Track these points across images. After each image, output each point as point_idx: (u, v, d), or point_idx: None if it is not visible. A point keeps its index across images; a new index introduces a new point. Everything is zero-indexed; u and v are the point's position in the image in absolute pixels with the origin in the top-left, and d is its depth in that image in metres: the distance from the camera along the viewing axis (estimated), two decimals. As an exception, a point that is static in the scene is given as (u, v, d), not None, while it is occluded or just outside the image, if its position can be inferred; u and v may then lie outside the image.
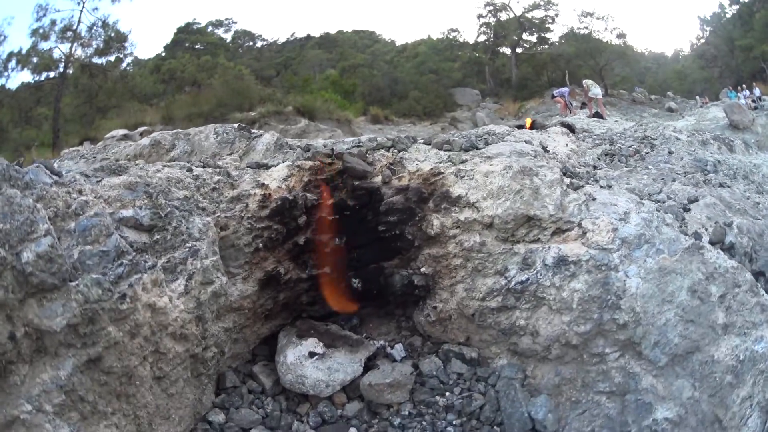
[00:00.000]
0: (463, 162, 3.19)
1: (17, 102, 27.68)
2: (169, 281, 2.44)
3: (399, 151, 3.30)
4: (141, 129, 11.30)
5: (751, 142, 15.08)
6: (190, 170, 2.93)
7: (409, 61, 45.46)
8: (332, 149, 3.45)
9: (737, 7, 49.06)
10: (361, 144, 3.53)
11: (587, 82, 18.24)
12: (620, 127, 14.42)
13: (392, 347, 3.27)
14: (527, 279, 2.84)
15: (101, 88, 26.43)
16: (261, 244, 2.96)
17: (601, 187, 3.21)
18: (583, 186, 3.16)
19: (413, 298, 3.26)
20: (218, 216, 2.81)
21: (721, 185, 3.43)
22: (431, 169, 3.12)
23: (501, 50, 43.81)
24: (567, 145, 4.24)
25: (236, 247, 2.88)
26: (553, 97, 21.53)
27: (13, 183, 1.98)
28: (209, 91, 14.92)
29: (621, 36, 39.03)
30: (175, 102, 16.30)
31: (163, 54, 43.42)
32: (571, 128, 13.21)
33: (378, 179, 3.21)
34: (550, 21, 41.35)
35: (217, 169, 3.02)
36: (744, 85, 24.10)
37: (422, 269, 3.14)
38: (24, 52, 25.52)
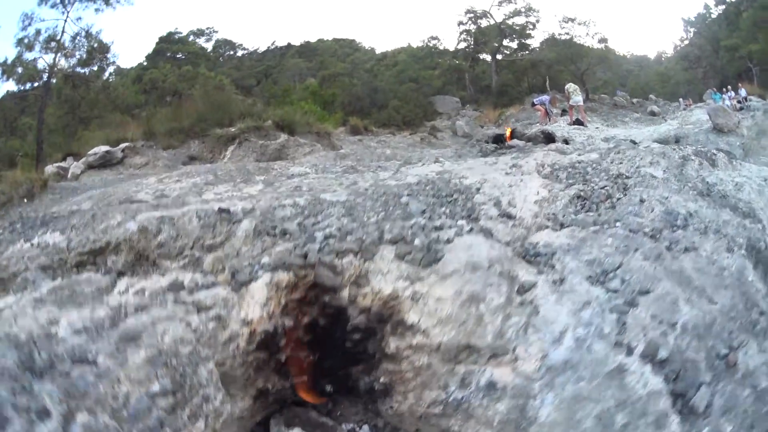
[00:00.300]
0: (420, 280, 3.55)
1: (2, 112, 27.53)
2: (191, 424, 2.98)
3: (365, 261, 3.69)
4: (123, 145, 11.35)
5: (736, 145, 15.04)
6: (188, 324, 3.31)
7: (389, 69, 45.67)
8: (305, 254, 3.73)
9: (723, 7, 49.99)
10: (331, 237, 3.89)
11: (570, 87, 18.08)
12: (600, 142, 14.51)
13: (360, 428, 3.70)
14: (462, 397, 3.24)
15: (84, 99, 26.40)
16: (252, 371, 3.51)
17: (554, 282, 3.39)
18: (534, 284, 3.38)
19: (376, 395, 3.84)
20: (216, 358, 3.31)
21: (686, 249, 3.52)
22: (390, 293, 3.53)
23: (481, 57, 44.09)
24: (538, 192, 4.25)
25: (233, 376, 3.42)
26: (533, 105, 21.57)
27: None
28: (190, 104, 14.75)
29: (602, 41, 39.43)
30: (156, 115, 16.13)
31: (145, 63, 43.22)
32: (550, 138, 12.80)
33: (345, 293, 3.60)
34: (531, 27, 41.62)
35: (209, 312, 3.43)
36: (729, 87, 23.89)
37: (381, 379, 3.66)
38: (9, 62, 25.49)
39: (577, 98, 17.77)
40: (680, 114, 22.76)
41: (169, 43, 46.54)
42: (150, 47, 53.67)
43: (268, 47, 54.31)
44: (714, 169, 5.04)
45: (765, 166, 10.13)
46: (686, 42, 55.65)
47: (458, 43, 43.89)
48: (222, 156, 11.04)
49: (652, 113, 23.59)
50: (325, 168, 6.63)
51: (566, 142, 12.06)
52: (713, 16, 51.71)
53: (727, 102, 21.39)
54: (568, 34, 38.95)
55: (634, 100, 29.87)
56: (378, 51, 56.64)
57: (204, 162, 10.56)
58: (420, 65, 44.18)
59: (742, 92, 22.69)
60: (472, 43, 43.02)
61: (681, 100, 27.89)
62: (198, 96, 16.63)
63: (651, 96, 32.40)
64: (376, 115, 27.95)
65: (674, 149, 5.37)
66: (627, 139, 16.19)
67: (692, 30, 53.30)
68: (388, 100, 31.16)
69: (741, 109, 20.24)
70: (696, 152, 5.25)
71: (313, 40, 55.20)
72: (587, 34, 38.82)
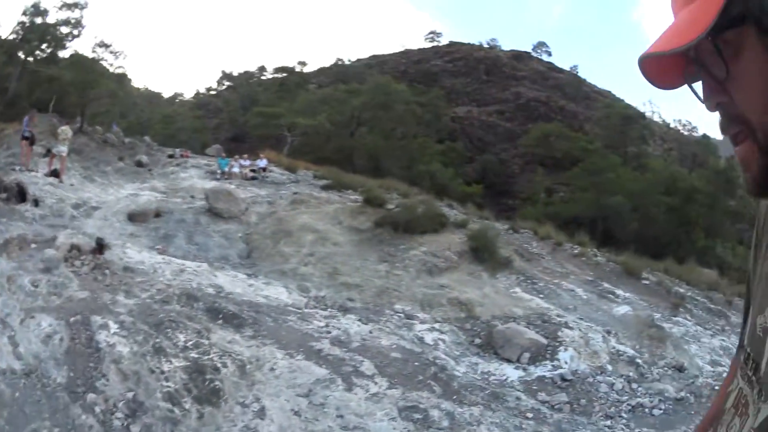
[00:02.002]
0: None
1: None
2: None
3: None
4: None
5: (236, 236, 12.97)
6: None
7: None
8: None
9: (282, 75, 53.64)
10: None
11: (62, 131, 13.86)
12: (71, 209, 10.35)
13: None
14: None
15: None
16: None
17: None
18: None
19: None
20: None
21: None
22: None
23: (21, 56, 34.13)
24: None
25: None
26: (23, 137, 15.38)
27: None
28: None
29: (122, 75, 35.48)
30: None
31: None
32: (23, 194, 10.71)
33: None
34: (70, 39, 34.41)
35: None
36: (246, 156, 21.32)
37: None
38: None
39: (62, 148, 13.41)
40: (172, 170, 19.24)
41: None
42: None
43: None
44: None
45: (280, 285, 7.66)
46: (213, 92, 57.41)
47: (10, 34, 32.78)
48: None
49: (140, 164, 19.12)
50: None
51: (36, 203, 11.24)
52: (264, 78, 55.29)
53: (236, 169, 19.13)
54: (97, 58, 33.48)
55: (127, 140, 25.39)
56: None
57: None
58: None
59: (262, 162, 20.47)
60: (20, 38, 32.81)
61: (177, 150, 23.63)
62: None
63: (146, 137, 29.00)
64: None
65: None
66: (100, 205, 12.41)
67: (227, 83, 55.47)
68: None
69: (254, 179, 18.71)
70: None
71: None
72: (113, 64, 34.32)
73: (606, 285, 11.95)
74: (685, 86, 0.72)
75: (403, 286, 10.25)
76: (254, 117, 38.86)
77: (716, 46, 0.62)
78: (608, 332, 8.59)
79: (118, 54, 34.96)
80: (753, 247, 0.82)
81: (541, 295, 10.69)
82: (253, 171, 19.48)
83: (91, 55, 33.58)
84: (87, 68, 30.20)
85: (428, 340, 7.22)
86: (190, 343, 4.47)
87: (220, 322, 5.50)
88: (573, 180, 32.03)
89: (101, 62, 32.86)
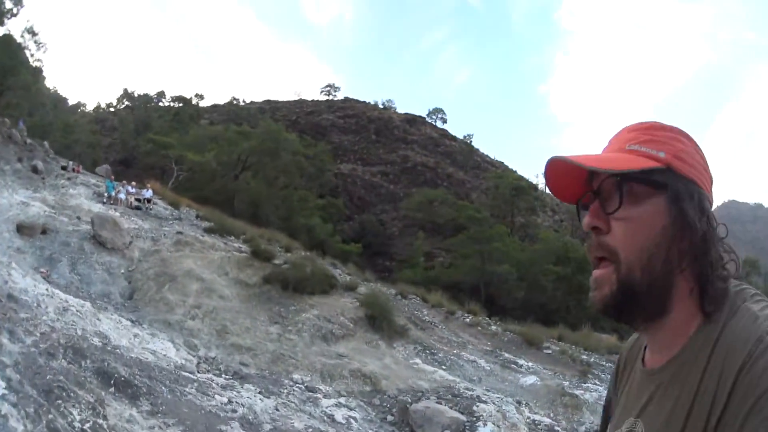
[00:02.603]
0: None
1: None
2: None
3: None
4: None
5: (119, 272, 11.60)
6: None
7: None
8: None
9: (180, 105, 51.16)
10: None
11: None
12: None
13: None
14: None
15: None
16: None
17: None
18: None
19: None
20: None
21: None
22: None
23: None
24: None
25: None
26: None
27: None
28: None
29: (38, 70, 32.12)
30: None
31: None
32: None
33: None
34: (9, 17, 30.53)
35: None
36: (134, 183, 20.09)
37: None
38: None
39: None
40: (63, 184, 18.21)
41: None
42: None
43: None
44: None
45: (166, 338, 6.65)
46: (112, 110, 54.58)
47: None
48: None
49: (35, 170, 17.71)
50: None
51: None
52: (162, 104, 52.56)
53: (122, 195, 18.15)
54: (26, 47, 30.08)
55: (29, 140, 23.19)
56: None
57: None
58: None
59: (148, 193, 19.59)
60: None
61: (70, 162, 22.88)
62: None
63: (46, 143, 26.55)
64: None
65: None
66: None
67: (127, 103, 52.68)
68: None
69: (138, 208, 17.83)
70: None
71: None
72: (33, 55, 30.91)
73: (507, 355, 12.05)
74: (572, 203, 0.86)
75: (299, 353, 9.59)
76: (145, 143, 36.59)
77: (621, 187, 0.76)
78: (519, 403, 8.52)
79: (41, 45, 31.62)
80: (614, 380, 0.99)
81: (444, 367, 10.49)
82: (138, 200, 18.61)
83: (18, 40, 30.15)
84: (12, 53, 26.78)
85: (339, 417, 6.59)
86: (87, 425, 3.57)
87: (113, 390, 4.60)
88: (457, 246, 32.90)
89: (25, 50, 29.54)
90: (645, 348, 0.90)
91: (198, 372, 7.18)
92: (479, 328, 14.63)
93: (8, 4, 29.34)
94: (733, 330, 0.72)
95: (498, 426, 7.01)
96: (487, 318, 16.80)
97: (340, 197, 44.14)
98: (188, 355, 8.16)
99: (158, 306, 10.32)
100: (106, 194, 18.12)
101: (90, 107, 60.17)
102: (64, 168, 21.14)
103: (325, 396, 7.55)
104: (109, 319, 7.96)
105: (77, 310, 7.24)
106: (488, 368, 10.76)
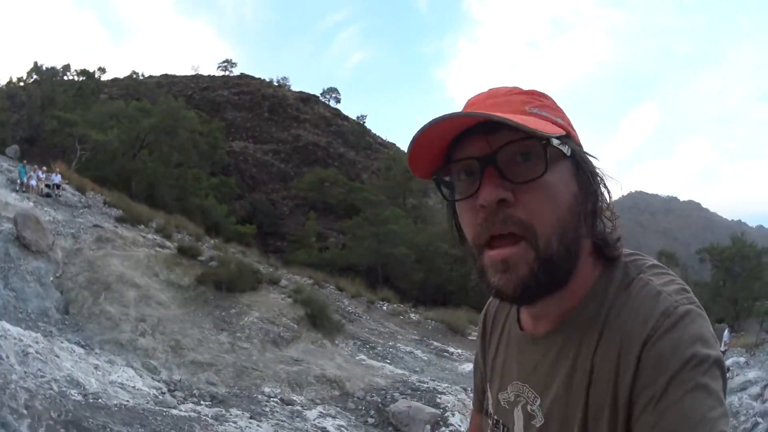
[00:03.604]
0: None
1: None
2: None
3: None
4: None
5: (48, 280, 10.57)
6: None
7: None
8: None
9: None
10: None
11: None
12: None
13: None
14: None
15: None
16: None
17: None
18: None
19: None
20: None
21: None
22: None
23: None
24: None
25: None
26: None
27: None
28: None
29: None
30: None
31: None
32: None
33: None
34: None
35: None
36: (45, 168, 18.69)
37: None
38: None
39: None
40: None
41: None
42: None
43: None
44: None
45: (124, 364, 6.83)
46: (22, 84, 47.79)
47: None
48: None
49: None
50: None
51: None
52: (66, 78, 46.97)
53: (33, 181, 17.05)
54: None
55: None
56: None
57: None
58: None
59: (56, 178, 18.18)
60: None
61: None
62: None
63: None
64: None
65: None
66: None
67: (36, 77, 46.21)
68: None
69: (48, 195, 16.94)
70: None
71: None
72: None
73: (436, 344, 13.15)
74: (430, 177, 0.78)
75: (259, 363, 9.92)
76: (50, 120, 33.01)
77: (546, 152, 0.69)
78: (465, 390, 9.52)
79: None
80: (481, 341, 1.01)
81: (387, 360, 11.34)
82: (47, 186, 17.61)
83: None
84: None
85: (330, 429, 7.17)
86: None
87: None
88: (354, 229, 33.51)
89: None
90: (519, 311, 0.88)
91: (178, 403, 7.26)
92: (401, 317, 15.66)
93: None
94: (631, 301, 0.71)
95: (464, 414, 8.04)
96: (401, 305, 17.88)
97: (232, 176, 42.91)
98: (154, 382, 8.15)
99: (101, 321, 9.97)
100: (18, 181, 17.05)
101: (3, 82, 51.85)
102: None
103: (303, 407, 8.05)
104: (62, 349, 7.64)
105: (36, 352, 6.71)
106: (426, 358, 11.80)
